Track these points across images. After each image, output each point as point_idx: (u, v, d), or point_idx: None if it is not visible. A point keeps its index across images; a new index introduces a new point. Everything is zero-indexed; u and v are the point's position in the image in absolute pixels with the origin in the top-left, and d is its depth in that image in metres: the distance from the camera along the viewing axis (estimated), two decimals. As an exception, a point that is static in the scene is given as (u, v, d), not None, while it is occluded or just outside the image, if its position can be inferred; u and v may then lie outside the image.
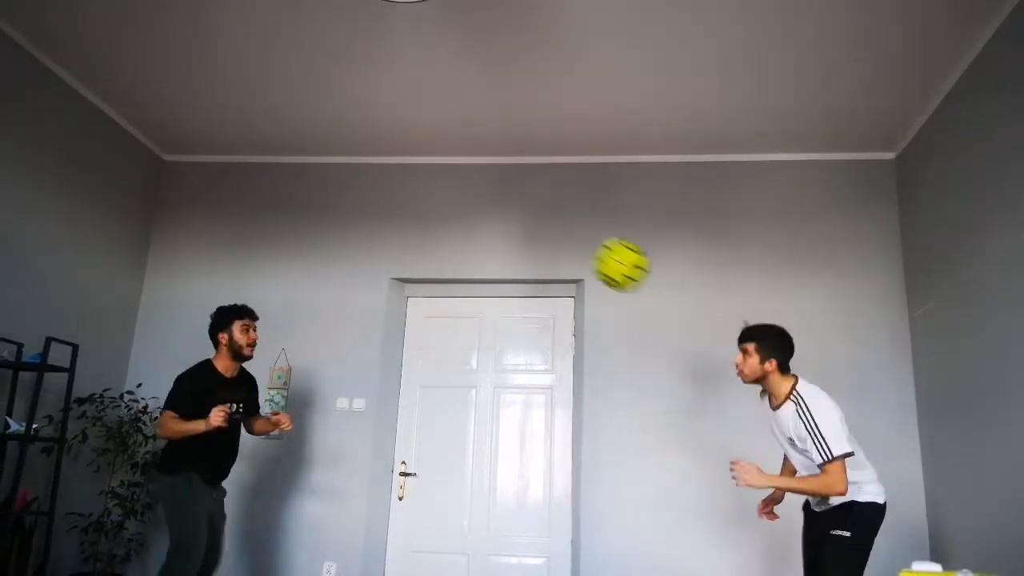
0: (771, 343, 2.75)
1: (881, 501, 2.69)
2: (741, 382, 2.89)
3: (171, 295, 4.64)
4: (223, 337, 3.35)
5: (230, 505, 4.25)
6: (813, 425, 2.58)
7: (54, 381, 3.79)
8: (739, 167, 4.47)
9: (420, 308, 4.66)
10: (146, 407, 4.23)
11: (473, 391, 4.49)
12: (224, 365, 3.36)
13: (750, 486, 2.61)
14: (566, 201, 4.54)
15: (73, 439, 3.89)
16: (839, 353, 4.10)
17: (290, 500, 4.24)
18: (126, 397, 4.25)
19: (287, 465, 4.30)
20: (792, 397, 2.69)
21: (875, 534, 2.67)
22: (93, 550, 3.98)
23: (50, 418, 3.79)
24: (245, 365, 3.49)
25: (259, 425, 3.56)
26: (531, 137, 4.38)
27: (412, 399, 4.51)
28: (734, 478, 2.61)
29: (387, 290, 4.54)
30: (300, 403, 4.37)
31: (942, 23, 3.23)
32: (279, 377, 4.41)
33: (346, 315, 4.48)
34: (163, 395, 4.35)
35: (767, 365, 2.74)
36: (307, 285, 4.55)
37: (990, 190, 3.30)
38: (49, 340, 3.64)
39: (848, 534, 2.60)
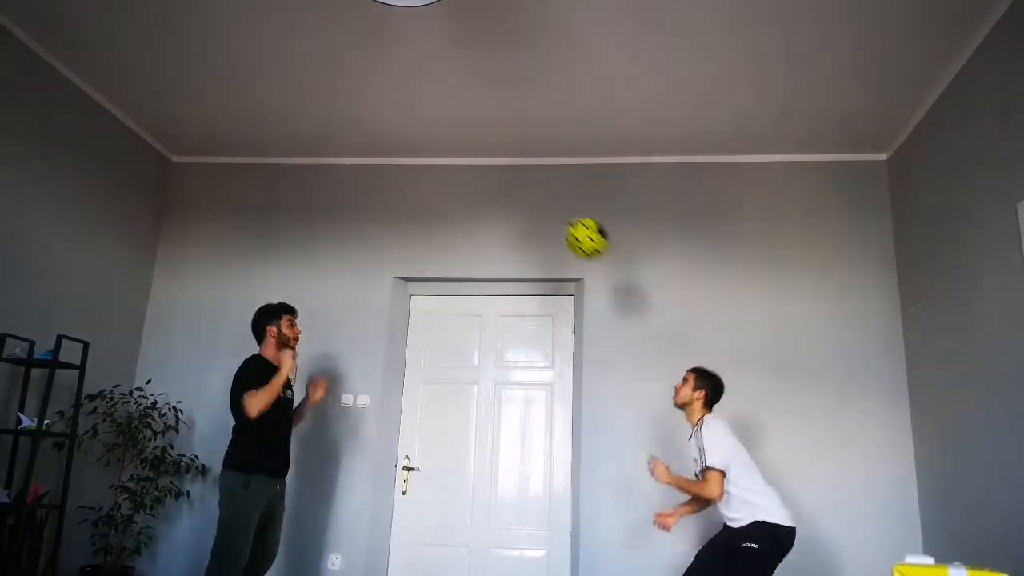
0: (706, 381, 3.37)
1: (786, 524, 3.07)
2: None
3: (179, 293, 4.71)
4: (271, 330, 3.55)
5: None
6: (702, 442, 3.18)
7: (65, 378, 3.85)
8: (736, 168, 4.54)
9: (423, 306, 4.72)
10: (155, 403, 4.31)
11: (475, 387, 4.56)
12: (272, 356, 3.54)
13: (658, 480, 3.26)
14: (566, 201, 4.59)
15: (84, 434, 3.96)
16: (834, 349, 4.19)
17: (296, 493, 4.29)
18: (135, 393, 4.33)
19: (294, 459, 4.34)
20: (698, 423, 3.29)
21: (779, 552, 3.06)
22: (103, 543, 4.05)
23: (61, 414, 3.85)
24: None
25: (298, 412, 3.76)
26: (532, 138, 4.44)
27: (415, 395, 4.58)
28: (650, 470, 3.28)
29: (391, 289, 4.60)
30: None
31: (933, 28, 3.31)
32: (285, 374, 4.48)
33: (351, 313, 4.54)
34: (171, 391, 4.46)
35: (696, 394, 3.34)
36: (312, 284, 4.61)
37: (979, 190, 3.37)
38: (60, 338, 3.70)
39: (756, 546, 3.04)
